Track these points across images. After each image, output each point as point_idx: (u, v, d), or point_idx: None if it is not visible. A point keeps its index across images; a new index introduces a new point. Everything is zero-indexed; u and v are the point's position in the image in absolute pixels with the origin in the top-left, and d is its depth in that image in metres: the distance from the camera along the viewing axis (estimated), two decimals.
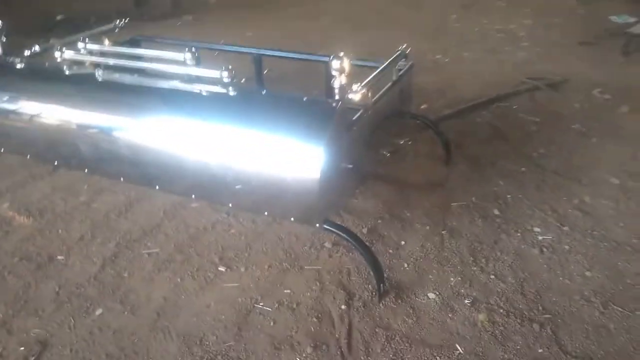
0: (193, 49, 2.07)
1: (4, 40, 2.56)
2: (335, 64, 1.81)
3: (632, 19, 5.13)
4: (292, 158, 1.78)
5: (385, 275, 1.96)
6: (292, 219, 1.94)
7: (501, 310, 1.84)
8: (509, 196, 2.47)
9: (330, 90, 1.91)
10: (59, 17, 5.65)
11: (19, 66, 2.43)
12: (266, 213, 1.99)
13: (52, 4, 5.76)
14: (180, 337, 1.80)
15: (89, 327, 1.87)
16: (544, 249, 2.13)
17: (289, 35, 5.02)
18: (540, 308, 1.84)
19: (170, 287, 2.03)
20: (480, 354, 1.68)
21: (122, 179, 2.26)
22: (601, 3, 5.99)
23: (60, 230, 2.41)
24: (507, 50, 4.60)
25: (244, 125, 1.90)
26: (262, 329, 1.82)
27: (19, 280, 2.11)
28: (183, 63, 2.07)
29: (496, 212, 2.37)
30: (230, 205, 2.07)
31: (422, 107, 3.39)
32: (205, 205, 2.51)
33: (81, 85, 2.24)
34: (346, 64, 1.82)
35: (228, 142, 1.89)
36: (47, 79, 2.35)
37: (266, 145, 1.83)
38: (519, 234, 2.22)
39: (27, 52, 2.55)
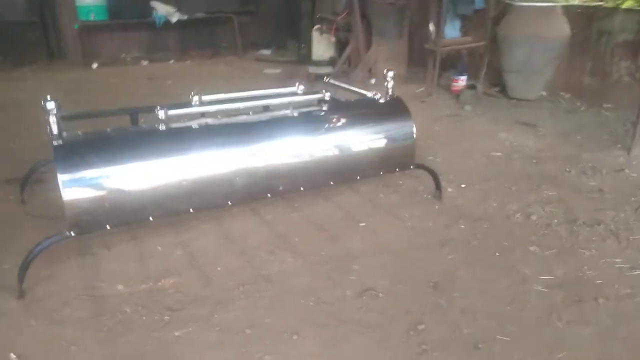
0: (298, 82, 3.06)
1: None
2: (390, 74, 3.18)
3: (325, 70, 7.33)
4: (398, 133, 3.10)
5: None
6: (397, 169, 3.20)
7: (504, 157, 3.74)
8: None
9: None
10: None
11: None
12: (381, 172, 3.15)
13: None
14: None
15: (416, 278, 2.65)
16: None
17: None
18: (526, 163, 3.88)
19: (386, 240, 2.94)
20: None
21: (269, 194, 2.93)
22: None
23: (219, 268, 2.66)
24: None
25: (359, 123, 3.06)
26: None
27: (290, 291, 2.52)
28: (295, 93, 3.02)
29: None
30: (357, 177, 3.10)
31: None
32: (288, 210, 3.25)
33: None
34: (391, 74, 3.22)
35: (352, 136, 3.04)
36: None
37: (377, 130, 3.07)
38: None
39: None
